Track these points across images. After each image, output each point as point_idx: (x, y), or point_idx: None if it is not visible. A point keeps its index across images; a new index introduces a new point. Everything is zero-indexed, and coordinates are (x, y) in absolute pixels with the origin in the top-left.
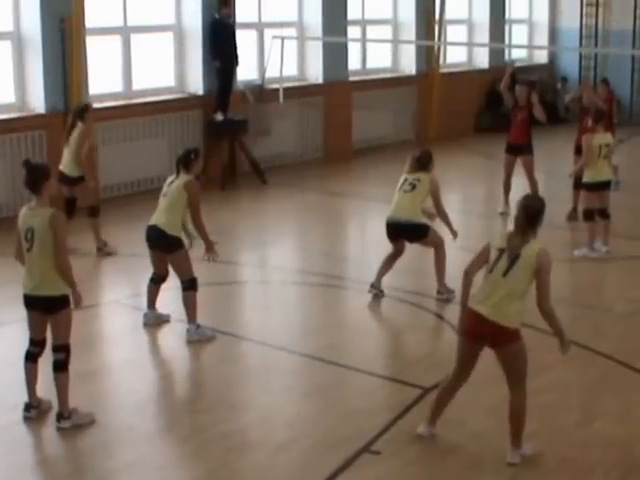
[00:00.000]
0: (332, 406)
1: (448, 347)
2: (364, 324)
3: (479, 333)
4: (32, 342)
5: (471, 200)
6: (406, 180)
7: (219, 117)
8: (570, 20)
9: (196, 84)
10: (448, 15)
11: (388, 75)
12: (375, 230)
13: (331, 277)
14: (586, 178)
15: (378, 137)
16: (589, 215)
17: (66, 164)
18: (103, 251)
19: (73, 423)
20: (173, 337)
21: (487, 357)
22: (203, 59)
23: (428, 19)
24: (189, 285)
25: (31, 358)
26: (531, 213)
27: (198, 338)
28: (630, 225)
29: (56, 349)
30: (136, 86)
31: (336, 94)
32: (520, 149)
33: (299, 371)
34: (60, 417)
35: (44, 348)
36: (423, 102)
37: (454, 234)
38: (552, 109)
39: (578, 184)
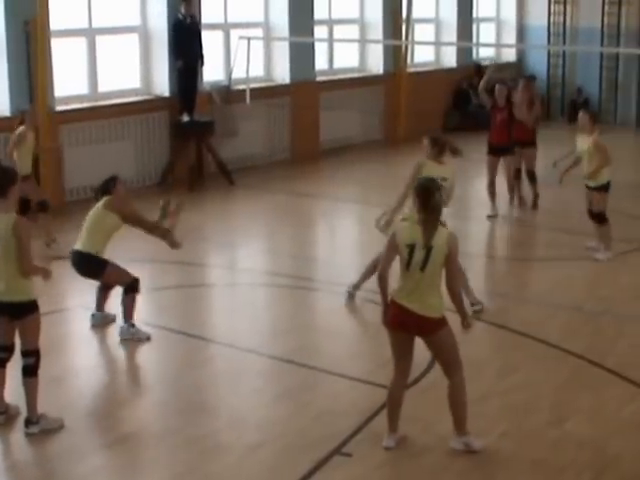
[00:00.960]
0: (303, 408)
1: (418, 348)
2: (334, 325)
3: (404, 323)
4: (0, 348)
5: None
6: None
7: (185, 118)
8: (538, 18)
9: (162, 86)
10: (415, 14)
11: (355, 75)
12: (344, 230)
13: (300, 278)
14: (605, 180)
15: (346, 137)
16: (605, 217)
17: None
18: (51, 247)
19: (41, 428)
20: (141, 341)
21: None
22: (169, 61)
23: (395, 18)
24: (130, 288)
25: None
26: (438, 195)
27: (131, 337)
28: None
29: (25, 354)
30: (102, 88)
31: (303, 94)
32: (503, 150)
33: (269, 373)
34: (28, 422)
35: (12, 353)
36: (391, 102)
37: None
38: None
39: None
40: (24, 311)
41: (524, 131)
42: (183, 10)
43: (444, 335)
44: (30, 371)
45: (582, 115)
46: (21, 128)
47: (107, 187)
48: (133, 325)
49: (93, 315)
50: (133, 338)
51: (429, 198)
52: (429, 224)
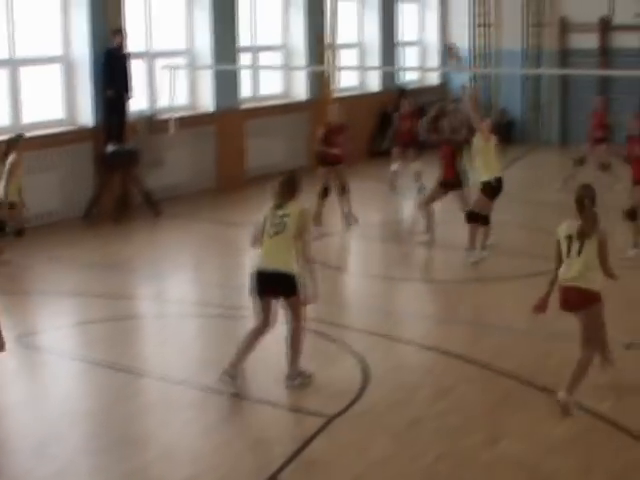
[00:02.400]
0: (235, 438)
1: (349, 374)
2: (262, 353)
3: (569, 301)
4: None
5: (371, 225)
6: (271, 218)
7: (110, 148)
8: (460, 41)
9: (86, 116)
10: (339, 39)
11: (280, 102)
12: None
13: (228, 308)
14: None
15: (272, 164)
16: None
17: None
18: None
19: None
20: (70, 376)
21: (389, 383)
22: (93, 91)
23: (319, 44)
24: None
25: None
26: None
27: None
28: (529, 242)
29: None
30: (25, 119)
31: (228, 122)
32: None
33: (200, 404)
34: None
35: None
36: (316, 128)
37: (314, 297)
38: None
39: None
40: None
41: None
42: (116, 41)
43: (598, 309)
44: None
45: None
46: (13, 156)
47: None
48: None
49: None
50: None
51: (582, 201)
52: (587, 221)
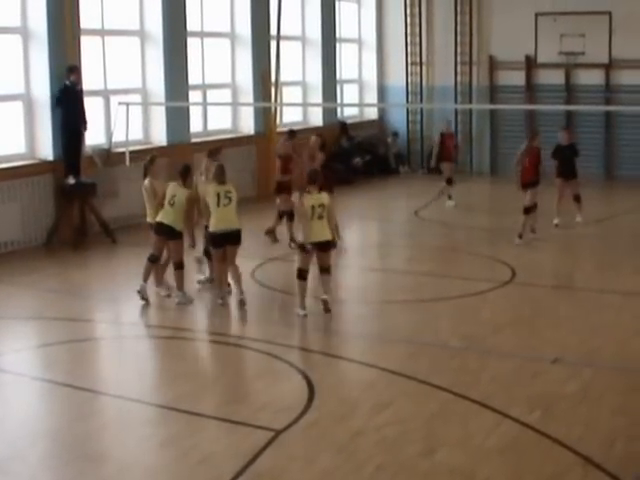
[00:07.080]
0: (188, 453)
1: (295, 390)
2: (214, 372)
3: None
4: None
5: None
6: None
7: (70, 180)
8: (396, 79)
9: (46, 150)
10: (283, 77)
11: (229, 136)
12: None
13: (181, 330)
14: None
15: None
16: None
17: None
18: None
19: None
20: (30, 396)
21: (333, 398)
22: (52, 126)
23: (265, 82)
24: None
25: None
26: None
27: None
28: (461, 265)
29: None
30: None
31: (179, 155)
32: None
33: (154, 421)
34: None
35: None
36: (262, 160)
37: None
38: (384, 161)
39: None
40: None
41: None
42: (70, 78)
43: None
44: None
45: None
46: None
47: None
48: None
49: None
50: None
51: None
52: None
